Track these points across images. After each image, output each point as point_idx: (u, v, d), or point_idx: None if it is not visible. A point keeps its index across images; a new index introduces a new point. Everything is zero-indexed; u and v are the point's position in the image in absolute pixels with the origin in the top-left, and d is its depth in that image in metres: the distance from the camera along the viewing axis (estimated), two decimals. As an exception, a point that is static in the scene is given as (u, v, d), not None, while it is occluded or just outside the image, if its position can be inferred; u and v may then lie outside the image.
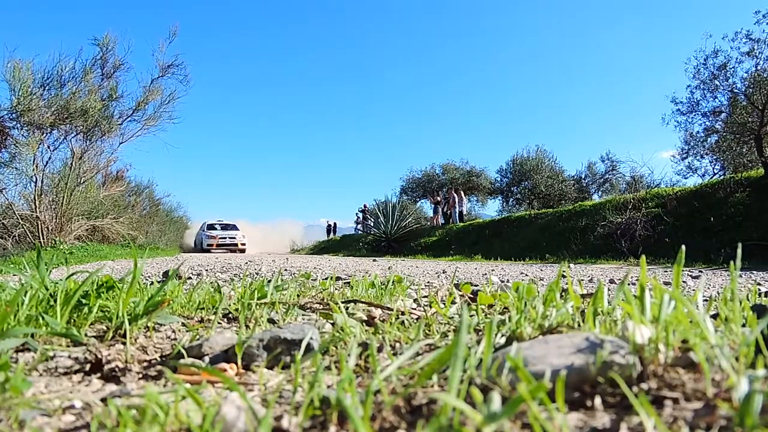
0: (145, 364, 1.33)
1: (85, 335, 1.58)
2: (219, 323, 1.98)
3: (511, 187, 40.47)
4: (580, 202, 25.54)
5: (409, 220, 29.60)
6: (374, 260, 17.23)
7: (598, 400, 0.88)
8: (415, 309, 2.23)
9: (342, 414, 0.84)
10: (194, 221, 42.96)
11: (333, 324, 1.76)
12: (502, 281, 6.13)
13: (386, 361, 1.32)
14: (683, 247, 1.21)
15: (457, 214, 31.16)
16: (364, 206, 37.75)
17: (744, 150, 21.68)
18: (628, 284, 1.31)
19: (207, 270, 9.19)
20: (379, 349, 1.46)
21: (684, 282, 6.17)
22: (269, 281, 2.59)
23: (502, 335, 1.36)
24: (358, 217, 39.05)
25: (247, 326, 1.82)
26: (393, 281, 2.95)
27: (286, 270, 8.61)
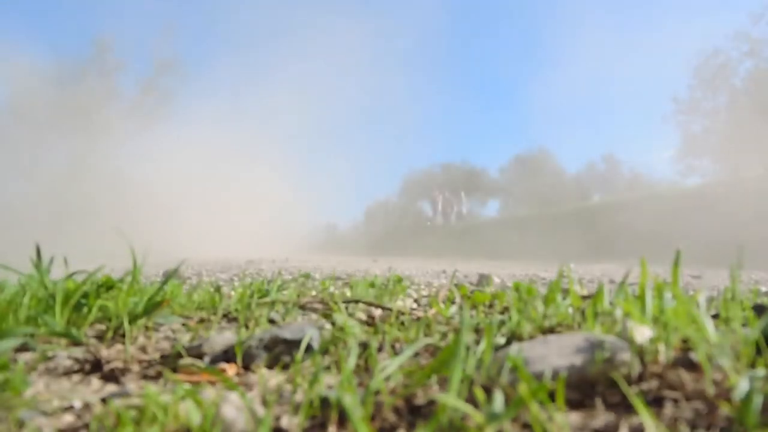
0: (144, 364, 1.33)
1: (85, 335, 1.58)
2: (219, 323, 1.98)
3: (511, 187, 40.52)
4: (580, 202, 25.57)
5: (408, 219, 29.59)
6: (374, 260, 17.24)
7: (598, 400, 0.88)
8: (415, 309, 2.23)
9: (342, 414, 0.83)
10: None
11: (333, 324, 1.76)
12: (502, 281, 6.13)
13: (386, 361, 1.32)
14: (681, 246, 1.21)
15: (454, 215, 31.14)
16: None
17: (743, 150, 21.73)
18: (629, 284, 1.31)
19: (207, 270, 9.20)
20: (379, 349, 1.46)
21: (685, 282, 6.17)
22: (269, 281, 2.60)
23: (503, 335, 1.35)
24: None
25: (246, 326, 1.82)
26: (393, 281, 2.95)
27: (286, 270, 8.62)
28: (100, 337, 1.61)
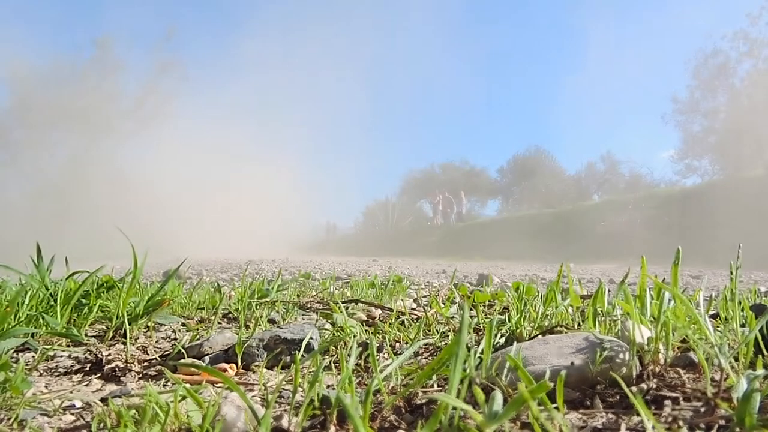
0: (145, 363, 1.33)
1: (86, 335, 1.59)
2: (219, 323, 1.98)
3: (511, 187, 40.58)
4: (580, 202, 25.58)
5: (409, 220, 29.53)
6: (374, 260, 17.25)
7: (597, 400, 0.88)
8: (415, 309, 2.23)
9: (342, 413, 0.84)
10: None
11: (333, 324, 1.76)
12: (502, 281, 6.13)
13: (386, 360, 1.32)
14: (680, 246, 1.21)
15: (454, 215, 31.14)
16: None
17: (743, 150, 21.71)
18: (628, 284, 1.31)
19: (207, 270, 9.20)
20: (379, 349, 1.46)
21: (684, 282, 6.17)
22: (269, 281, 2.60)
23: (502, 335, 1.36)
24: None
25: (247, 326, 1.82)
26: (393, 281, 2.95)
27: (286, 270, 8.62)
28: (101, 337, 1.61)
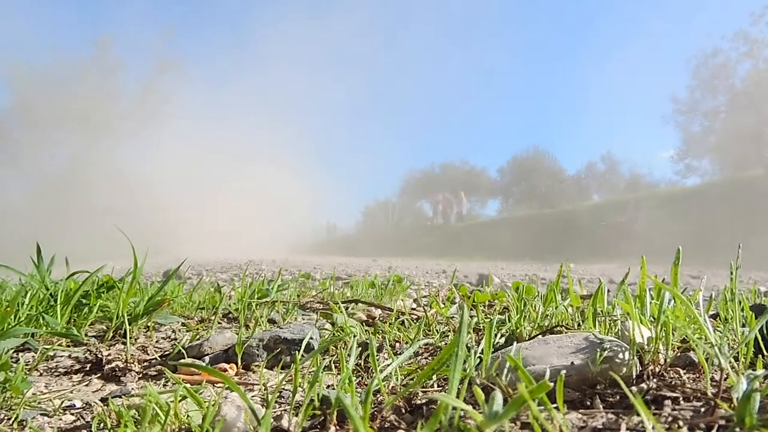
0: (145, 363, 1.33)
1: (86, 335, 1.59)
2: (219, 323, 1.98)
3: (511, 187, 40.60)
4: (580, 202, 25.59)
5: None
6: (374, 260, 17.25)
7: (597, 400, 0.88)
8: (415, 309, 2.23)
9: (342, 413, 0.84)
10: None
11: (333, 324, 1.76)
12: (502, 281, 6.13)
13: (386, 360, 1.32)
14: (680, 246, 1.21)
15: (454, 215, 31.17)
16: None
17: (743, 150, 21.70)
18: (628, 284, 1.31)
19: (207, 270, 9.20)
20: (379, 349, 1.46)
21: (684, 282, 6.17)
22: (269, 281, 2.60)
23: (502, 335, 1.36)
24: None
25: (247, 326, 1.82)
26: (393, 281, 2.95)
27: (286, 270, 8.62)
28: (101, 337, 1.61)
